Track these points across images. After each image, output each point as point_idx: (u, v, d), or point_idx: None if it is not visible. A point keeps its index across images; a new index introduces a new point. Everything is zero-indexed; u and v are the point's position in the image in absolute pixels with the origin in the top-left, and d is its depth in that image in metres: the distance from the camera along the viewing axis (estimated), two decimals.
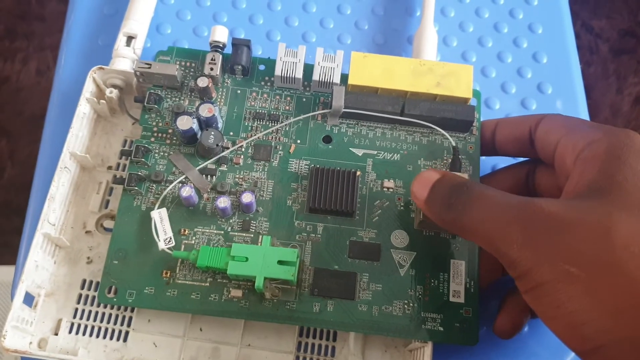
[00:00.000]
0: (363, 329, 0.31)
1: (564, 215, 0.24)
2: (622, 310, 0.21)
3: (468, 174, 0.33)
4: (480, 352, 0.35)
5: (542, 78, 0.43)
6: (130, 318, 0.33)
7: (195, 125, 0.32)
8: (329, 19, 0.44)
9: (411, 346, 0.32)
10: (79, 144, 0.35)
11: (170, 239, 0.31)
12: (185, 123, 0.32)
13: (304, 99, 0.35)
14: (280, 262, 0.30)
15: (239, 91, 0.35)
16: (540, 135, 0.31)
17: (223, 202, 0.31)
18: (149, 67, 0.34)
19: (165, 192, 0.32)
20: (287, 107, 0.35)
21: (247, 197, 0.31)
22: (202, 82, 0.33)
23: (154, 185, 0.33)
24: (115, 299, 0.31)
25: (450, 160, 0.34)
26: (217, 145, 0.32)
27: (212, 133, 0.32)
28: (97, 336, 0.32)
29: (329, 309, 0.31)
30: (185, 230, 0.32)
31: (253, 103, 0.35)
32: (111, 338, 0.33)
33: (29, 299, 0.32)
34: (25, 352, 0.30)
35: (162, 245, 0.31)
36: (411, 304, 0.31)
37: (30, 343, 0.32)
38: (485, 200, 0.26)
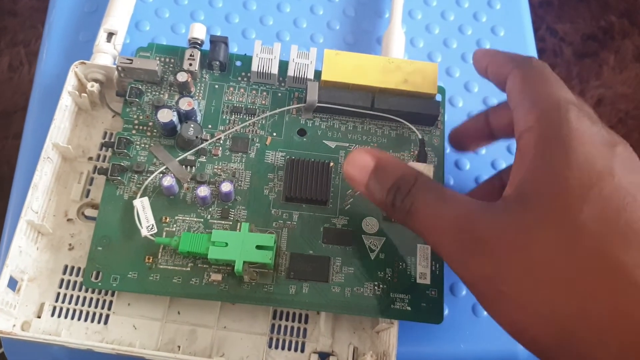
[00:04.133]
0: (336, 309, 0.33)
1: (490, 235, 0.25)
2: (550, 318, 0.23)
3: (434, 165, 0.36)
4: (442, 335, 0.37)
5: None
6: (111, 302, 0.34)
7: (175, 118, 0.34)
8: (302, 19, 0.46)
9: (378, 327, 0.34)
10: (61, 135, 0.36)
11: (153, 226, 0.33)
12: (165, 116, 0.34)
13: (279, 94, 0.37)
14: (258, 247, 0.31)
15: (216, 86, 0.37)
16: (507, 94, 0.30)
17: (203, 191, 0.33)
18: (131, 63, 0.35)
19: (146, 182, 0.34)
20: (263, 102, 0.37)
21: (226, 187, 0.33)
22: (182, 77, 0.35)
23: (135, 175, 0.34)
24: (100, 284, 0.32)
25: (417, 152, 0.36)
26: (197, 137, 0.34)
27: (192, 125, 0.34)
28: (79, 319, 0.34)
29: (304, 290, 0.33)
30: (166, 218, 0.34)
31: (230, 97, 0.37)
32: (92, 321, 0.34)
33: (12, 284, 0.33)
34: (10, 334, 0.31)
35: (144, 232, 0.32)
36: (381, 286, 0.33)
37: (14, 325, 0.33)
38: (426, 208, 0.27)
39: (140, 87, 0.36)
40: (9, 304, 0.33)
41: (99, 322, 0.34)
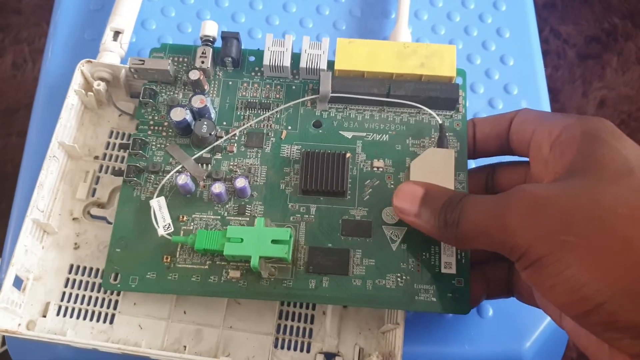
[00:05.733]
0: (358, 303, 0.32)
1: (550, 193, 0.25)
2: (616, 267, 0.23)
3: (455, 150, 0.34)
4: (447, 336, 0.37)
5: (509, 79, 0.45)
6: (117, 301, 0.34)
7: (188, 116, 0.34)
8: (308, 19, 0.46)
9: (383, 328, 0.34)
10: (67, 134, 0.36)
11: (169, 225, 0.33)
12: (178, 114, 0.34)
13: (294, 87, 0.37)
14: (274, 242, 0.31)
15: (230, 82, 0.37)
16: (516, 128, 0.32)
17: (218, 187, 0.33)
18: (143, 63, 0.35)
19: (163, 182, 0.34)
20: (278, 96, 0.36)
21: (240, 182, 0.33)
22: (194, 74, 0.35)
23: (152, 175, 0.34)
24: (119, 285, 0.32)
25: (437, 137, 0.35)
26: (210, 134, 0.34)
27: (205, 123, 0.34)
28: (84, 318, 0.34)
29: (324, 285, 0.32)
30: (183, 217, 0.33)
31: (244, 93, 0.36)
32: (98, 320, 0.34)
33: (17, 283, 0.33)
34: (16, 333, 0.31)
35: (161, 231, 0.32)
36: (404, 277, 0.32)
37: (19, 324, 0.33)
38: (475, 206, 0.27)
39: (154, 87, 0.36)
40: (15, 302, 0.33)
41: (104, 321, 0.34)
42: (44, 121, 0.40)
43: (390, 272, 0.32)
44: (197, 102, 0.34)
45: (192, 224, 0.33)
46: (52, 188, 0.35)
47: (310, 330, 0.35)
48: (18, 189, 0.38)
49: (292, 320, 0.35)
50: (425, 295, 0.32)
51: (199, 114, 0.34)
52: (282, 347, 0.34)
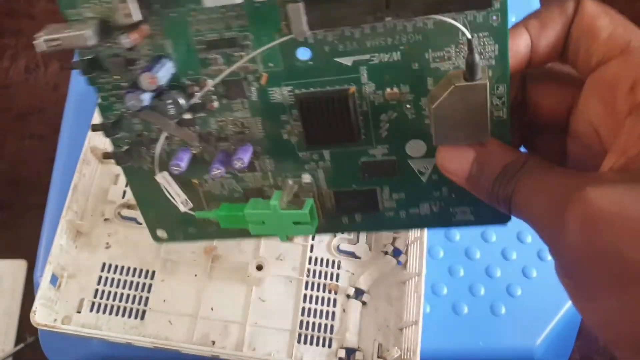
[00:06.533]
0: (394, 227, 0.31)
1: (618, 206, 0.20)
2: None
3: (493, 57, 0.25)
4: (462, 333, 0.38)
5: None
6: (147, 298, 0.36)
7: (146, 100, 0.25)
8: None
9: (401, 324, 0.36)
10: (98, 138, 0.38)
11: (186, 200, 0.30)
12: (136, 102, 0.25)
13: (257, 5, 0.25)
14: (296, 223, 0.29)
15: (173, 15, 0.25)
16: (581, 33, 0.23)
17: (217, 171, 0.28)
18: (60, 43, 0.24)
19: (157, 153, 0.29)
20: (242, 22, 0.25)
21: (239, 163, 0.28)
22: (126, 42, 0.24)
23: (143, 148, 0.29)
24: (167, 238, 0.31)
25: (466, 46, 0.25)
26: (181, 113, 0.27)
27: (169, 102, 0.26)
28: (117, 314, 0.36)
29: (357, 220, 0.31)
30: (196, 182, 0.30)
31: (198, 27, 0.25)
32: (129, 316, 0.36)
33: (53, 280, 0.35)
34: (55, 327, 0.33)
35: (182, 208, 0.30)
36: (438, 203, 0.29)
37: (55, 320, 0.35)
38: (530, 189, 0.23)
39: (88, 56, 0.26)
40: (51, 299, 0.34)
41: (135, 317, 0.36)
42: (74, 126, 0.41)
43: (423, 201, 0.29)
44: (146, 82, 0.25)
45: (207, 185, 0.30)
46: (84, 191, 0.37)
47: (332, 326, 0.36)
48: (51, 191, 0.40)
49: (314, 317, 0.36)
50: (463, 216, 0.30)
51: (157, 93, 0.26)
52: (305, 342, 0.36)
